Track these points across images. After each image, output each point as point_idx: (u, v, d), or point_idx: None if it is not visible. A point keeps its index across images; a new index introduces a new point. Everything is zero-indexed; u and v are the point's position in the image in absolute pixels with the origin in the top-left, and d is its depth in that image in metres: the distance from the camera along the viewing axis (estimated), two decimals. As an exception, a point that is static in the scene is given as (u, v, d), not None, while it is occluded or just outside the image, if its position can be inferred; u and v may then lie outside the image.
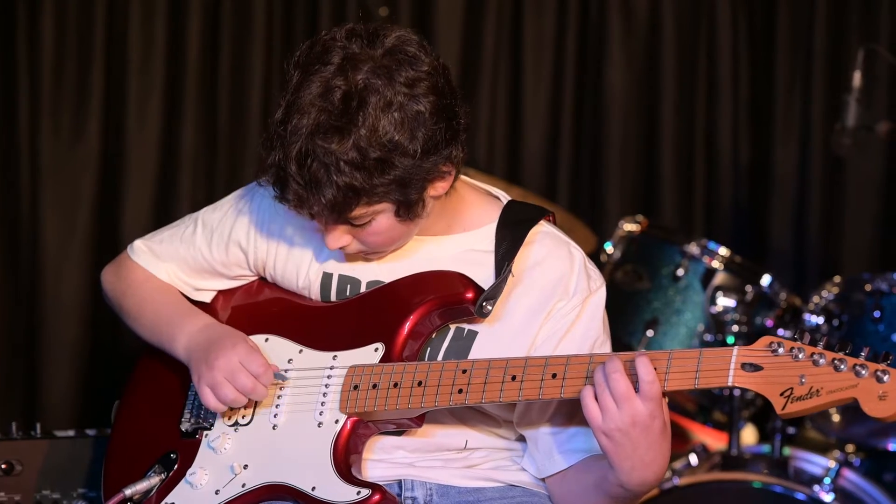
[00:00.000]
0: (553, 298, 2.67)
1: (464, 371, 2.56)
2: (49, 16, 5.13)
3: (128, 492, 2.71)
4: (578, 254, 2.73)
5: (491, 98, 5.49)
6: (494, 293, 2.62)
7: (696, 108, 5.57)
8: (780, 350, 2.33)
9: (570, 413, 2.64)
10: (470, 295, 2.61)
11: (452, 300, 2.63)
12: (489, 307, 2.61)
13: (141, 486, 2.72)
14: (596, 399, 2.42)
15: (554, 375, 2.49)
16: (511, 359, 2.54)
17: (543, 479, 2.72)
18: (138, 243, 2.94)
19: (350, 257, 2.73)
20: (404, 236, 2.66)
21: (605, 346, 2.71)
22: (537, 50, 5.51)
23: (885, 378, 2.24)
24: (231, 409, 2.71)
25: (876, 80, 5.25)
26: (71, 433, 3.28)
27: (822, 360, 2.29)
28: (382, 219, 2.57)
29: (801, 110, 5.54)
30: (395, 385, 2.59)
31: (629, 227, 4.50)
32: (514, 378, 2.52)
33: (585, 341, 2.67)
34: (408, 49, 2.52)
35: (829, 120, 5.18)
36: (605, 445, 2.44)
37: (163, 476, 2.73)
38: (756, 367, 2.34)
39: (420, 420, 2.64)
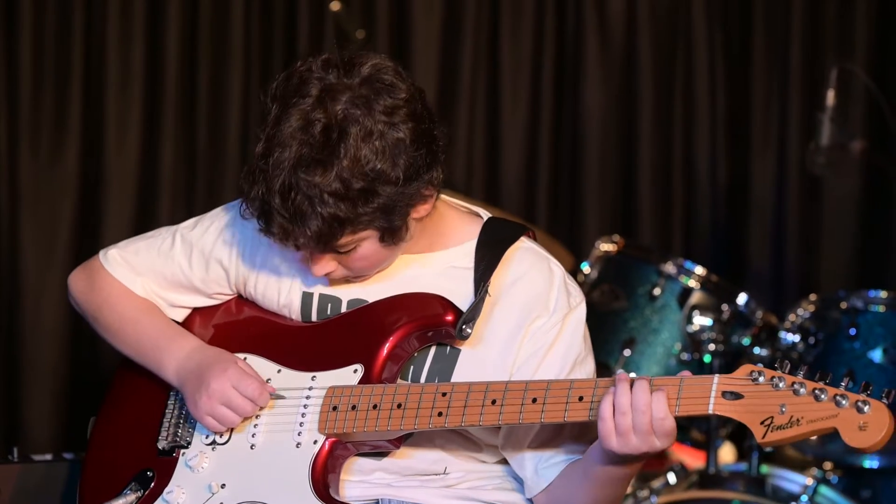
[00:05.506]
0: (532, 314, 2.67)
1: (444, 394, 2.56)
2: (27, 37, 5.14)
3: (102, 509, 2.71)
4: (558, 270, 2.74)
5: (469, 120, 5.51)
6: (473, 315, 2.63)
7: (674, 128, 5.59)
8: (761, 379, 2.34)
9: (554, 432, 2.64)
10: (450, 318, 2.62)
11: (432, 323, 2.63)
12: (468, 330, 2.62)
13: (116, 503, 2.72)
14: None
15: (534, 400, 2.49)
16: (492, 382, 2.54)
17: (531, 500, 2.72)
18: (113, 253, 2.89)
19: (334, 281, 2.74)
20: (388, 259, 2.67)
21: (588, 362, 2.71)
22: (514, 72, 5.53)
23: (866, 409, 2.25)
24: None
25: (851, 99, 5.30)
26: (48, 457, 3.26)
27: (802, 390, 2.30)
28: (367, 245, 2.58)
29: (777, 129, 5.57)
30: (375, 407, 2.59)
31: (606, 247, 4.51)
32: (494, 402, 2.52)
33: (567, 359, 2.67)
34: (384, 77, 2.54)
35: (806, 138, 5.20)
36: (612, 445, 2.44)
37: (139, 494, 2.72)
38: (737, 396, 2.35)
39: (398, 442, 2.64)
